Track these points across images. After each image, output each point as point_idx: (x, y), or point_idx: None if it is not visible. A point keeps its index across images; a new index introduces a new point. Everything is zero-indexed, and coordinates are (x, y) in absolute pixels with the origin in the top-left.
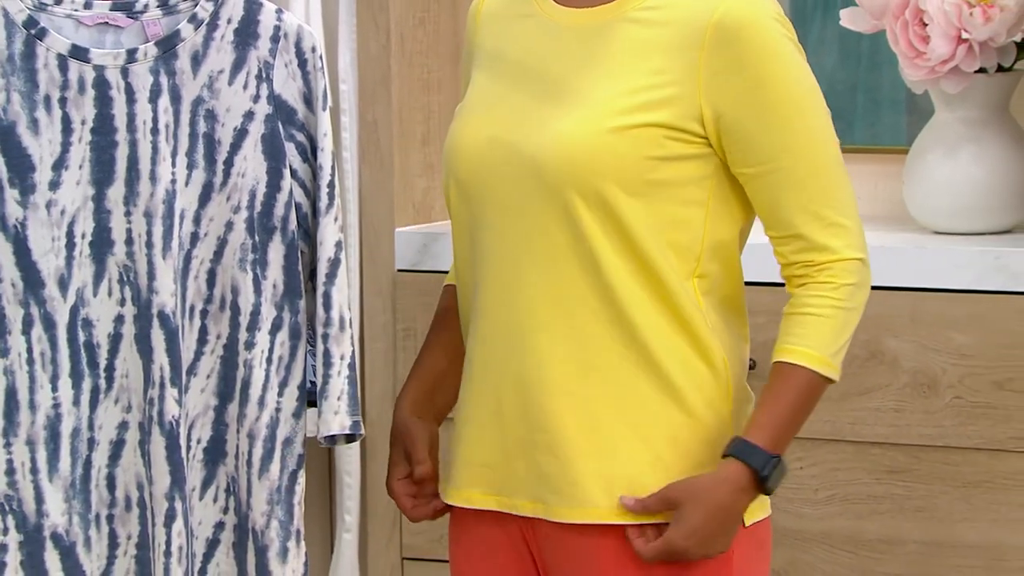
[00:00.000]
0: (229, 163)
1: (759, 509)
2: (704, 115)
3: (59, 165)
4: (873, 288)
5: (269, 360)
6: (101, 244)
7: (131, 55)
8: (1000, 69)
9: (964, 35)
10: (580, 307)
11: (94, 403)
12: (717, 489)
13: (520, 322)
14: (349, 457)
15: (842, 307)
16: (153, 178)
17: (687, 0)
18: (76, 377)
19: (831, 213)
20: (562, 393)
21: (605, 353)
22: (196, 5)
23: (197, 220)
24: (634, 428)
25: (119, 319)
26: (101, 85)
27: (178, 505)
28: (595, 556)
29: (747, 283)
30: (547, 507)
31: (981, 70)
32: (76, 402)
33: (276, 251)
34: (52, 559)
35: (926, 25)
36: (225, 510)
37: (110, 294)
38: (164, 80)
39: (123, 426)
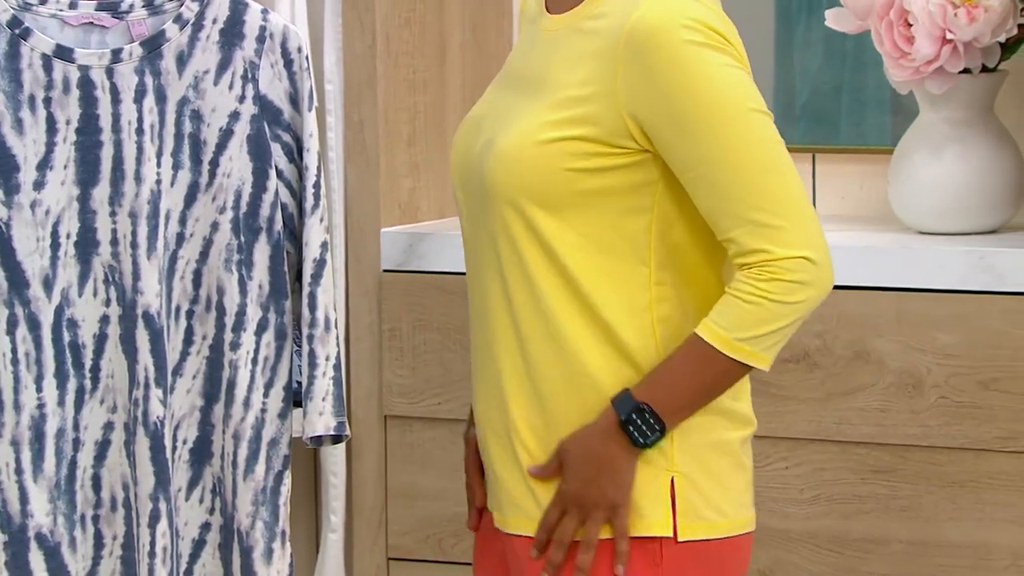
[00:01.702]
0: (215, 163)
1: (704, 527)
2: (628, 124)
3: (44, 165)
4: (858, 288)
5: (255, 361)
6: (86, 244)
7: (116, 55)
8: (985, 69)
9: (949, 36)
10: (523, 318)
11: (79, 403)
12: (589, 433)
13: (487, 332)
14: (335, 457)
15: (770, 299)
16: (138, 178)
17: (618, 9)
18: (61, 377)
19: (760, 216)
20: (516, 405)
21: (543, 367)
22: (181, 5)
23: (183, 220)
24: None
25: (104, 319)
26: (86, 85)
27: (163, 506)
28: (521, 562)
29: None
30: (499, 517)
31: (966, 70)
32: (61, 402)
33: (262, 252)
34: (36, 560)
35: (911, 25)
36: (211, 511)
37: (95, 294)
38: (149, 80)
39: (108, 426)
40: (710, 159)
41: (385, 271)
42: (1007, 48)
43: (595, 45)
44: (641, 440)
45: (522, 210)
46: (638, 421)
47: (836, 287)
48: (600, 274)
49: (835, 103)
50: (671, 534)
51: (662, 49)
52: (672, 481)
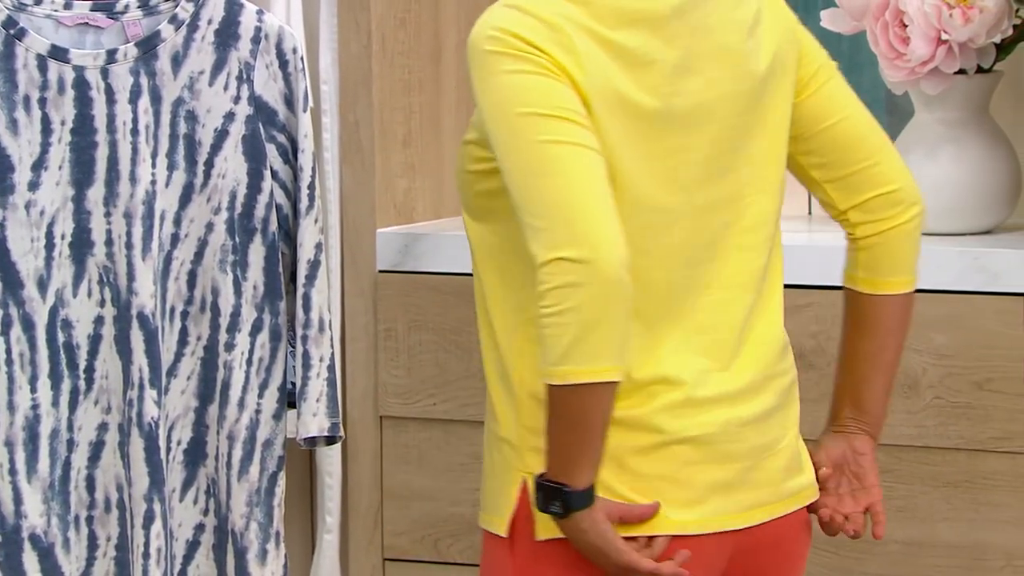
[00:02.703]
0: (209, 164)
1: (551, 527)
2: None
3: (38, 166)
4: None
5: (249, 362)
6: (81, 245)
7: (111, 56)
8: (980, 70)
9: (944, 36)
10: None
11: (73, 404)
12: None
13: None
14: (330, 458)
15: (548, 314)
16: (133, 179)
17: None
18: (55, 378)
19: (530, 220)
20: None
21: (488, 375)
22: (177, 6)
23: (177, 221)
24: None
25: (99, 320)
26: (81, 85)
27: (157, 507)
28: None
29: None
30: None
31: (961, 71)
32: (55, 403)
33: (256, 252)
34: (30, 560)
35: (906, 26)
36: (205, 512)
37: (90, 295)
38: (144, 81)
39: (102, 427)
40: (503, 168)
41: (381, 272)
42: (1002, 49)
43: None
44: (558, 512)
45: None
46: (539, 496)
47: (831, 288)
48: (495, 275)
49: None
50: (505, 533)
51: (472, 60)
52: (524, 482)
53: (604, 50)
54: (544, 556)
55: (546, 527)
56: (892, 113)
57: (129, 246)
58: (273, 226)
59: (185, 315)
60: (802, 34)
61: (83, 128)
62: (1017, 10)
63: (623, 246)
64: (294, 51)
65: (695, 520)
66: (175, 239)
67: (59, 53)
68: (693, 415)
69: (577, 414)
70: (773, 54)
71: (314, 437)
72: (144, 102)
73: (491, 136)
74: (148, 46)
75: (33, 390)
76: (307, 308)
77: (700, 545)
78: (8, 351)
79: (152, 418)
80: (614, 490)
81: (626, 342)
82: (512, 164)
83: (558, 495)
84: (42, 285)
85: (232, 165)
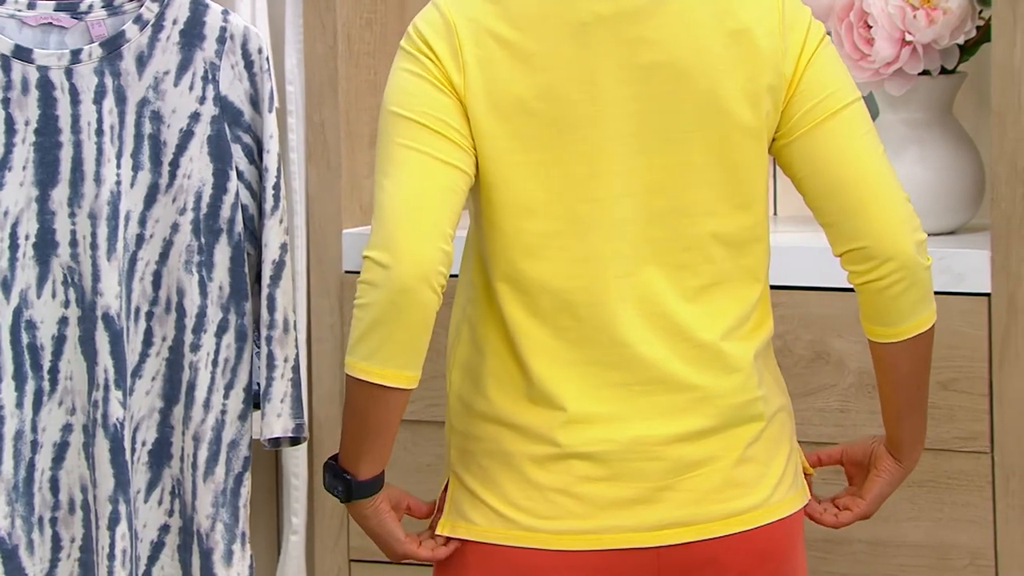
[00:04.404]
0: (175, 165)
1: (462, 527)
2: None
3: (2, 166)
4: (818, 289)
5: (215, 362)
6: (45, 246)
7: (75, 56)
8: (943, 71)
9: (908, 37)
10: None
11: (37, 405)
12: None
13: None
14: (296, 459)
15: (355, 304)
16: (98, 179)
17: None
18: (19, 379)
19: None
20: None
21: None
22: (141, 6)
23: (142, 222)
24: None
25: (63, 321)
26: (45, 86)
27: (122, 508)
28: None
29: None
30: None
31: (925, 72)
32: (19, 404)
33: (222, 253)
34: None
35: (870, 27)
36: (170, 513)
37: (54, 296)
38: (109, 81)
39: (67, 428)
40: None
41: (347, 272)
42: (965, 50)
43: None
44: (343, 492)
45: None
46: (328, 477)
47: (796, 288)
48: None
49: None
50: (435, 530)
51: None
52: (448, 480)
53: (506, 52)
54: (452, 554)
55: (448, 526)
56: None
57: (94, 247)
58: (239, 227)
59: (150, 316)
60: (806, 65)
61: (47, 128)
62: (980, 11)
63: (428, 261)
64: (260, 51)
65: (590, 536)
66: (140, 240)
67: (23, 53)
68: (588, 431)
69: (359, 408)
70: (739, 77)
71: (278, 438)
72: (109, 102)
73: None
74: (113, 46)
75: None
76: (271, 309)
77: (601, 560)
78: None
79: (117, 419)
80: (509, 498)
81: (415, 352)
82: (376, 158)
83: (341, 480)
84: (6, 286)
85: (198, 166)
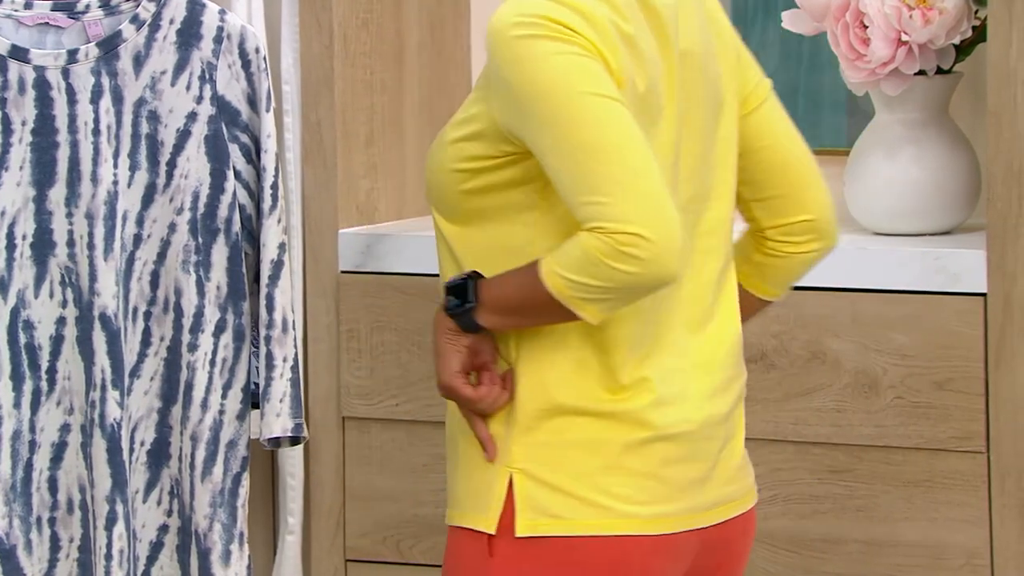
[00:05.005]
0: (172, 164)
1: (546, 524)
2: (502, 129)
3: None
4: (814, 289)
5: (213, 362)
6: (42, 246)
7: (72, 56)
8: (939, 71)
9: (904, 37)
10: None
11: (35, 405)
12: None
13: None
14: (293, 459)
15: (599, 255)
16: (95, 179)
17: None
18: (17, 379)
19: (586, 198)
20: None
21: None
22: (138, 6)
23: (140, 221)
24: None
25: (61, 321)
26: (42, 86)
27: (119, 508)
28: None
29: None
30: None
31: (921, 72)
32: (17, 404)
33: (220, 253)
34: None
35: (866, 27)
36: (168, 513)
37: (52, 296)
38: (106, 81)
39: (65, 428)
40: (547, 149)
41: (343, 272)
42: (961, 50)
43: None
44: (454, 305)
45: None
46: (458, 287)
47: (794, 288)
48: (492, 272)
49: (791, 104)
50: (494, 531)
51: (497, 49)
52: (511, 478)
53: (626, 45)
54: (527, 554)
55: (528, 525)
56: (853, 114)
57: (91, 247)
58: (236, 226)
59: (148, 316)
60: (743, 48)
61: (44, 128)
62: (976, 11)
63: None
64: (257, 51)
65: (675, 519)
66: (137, 239)
67: (19, 53)
68: (671, 412)
69: (540, 310)
70: (725, 60)
71: (278, 438)
72: (106, 102)
73: (537, 120)
74: (109, 46)
75: None
76: (270, 308)
77: (674, 542)
78: None
79: (115, 419)
80: (600, 486)
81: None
82: (570, 145)
83: (464, 297)
84: (3, 286)
85: (195, 165)
